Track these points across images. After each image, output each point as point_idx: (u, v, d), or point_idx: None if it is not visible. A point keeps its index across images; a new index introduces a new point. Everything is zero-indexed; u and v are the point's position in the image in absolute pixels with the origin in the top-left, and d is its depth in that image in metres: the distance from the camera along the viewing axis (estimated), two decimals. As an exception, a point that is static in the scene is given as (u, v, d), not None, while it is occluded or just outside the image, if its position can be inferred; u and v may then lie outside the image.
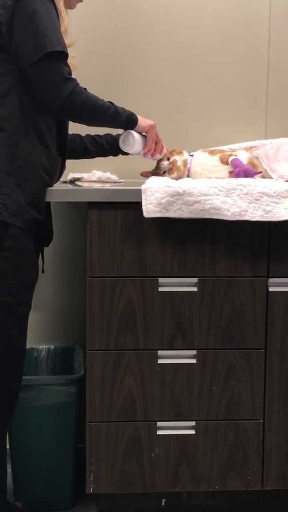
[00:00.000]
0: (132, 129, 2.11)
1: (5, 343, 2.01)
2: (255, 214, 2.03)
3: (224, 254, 2.10)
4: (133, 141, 2.11)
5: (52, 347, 2.59)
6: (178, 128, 2.56)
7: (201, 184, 2.03)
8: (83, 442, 2.21)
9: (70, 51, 2.04)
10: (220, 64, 2.61)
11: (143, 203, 2.02)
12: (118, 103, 2.48)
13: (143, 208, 2.01)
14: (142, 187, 2.02)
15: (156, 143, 2.16)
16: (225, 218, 2.02)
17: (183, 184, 2.03)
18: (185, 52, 2.59)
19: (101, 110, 2.02)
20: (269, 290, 2.13)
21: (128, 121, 2.09)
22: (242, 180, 2.05)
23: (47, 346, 2.59)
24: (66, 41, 2.09)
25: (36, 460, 2.31)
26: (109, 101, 2.06)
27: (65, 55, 1.98)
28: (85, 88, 2.00)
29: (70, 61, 2.11)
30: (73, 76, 1.99)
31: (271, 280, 2.13)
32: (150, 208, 2.01)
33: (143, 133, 2.14)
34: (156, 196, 2.01)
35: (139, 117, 2.11)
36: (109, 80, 2.55)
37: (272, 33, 2.61)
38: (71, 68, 2.01)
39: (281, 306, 2.14)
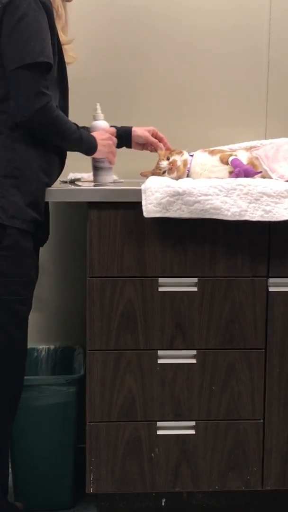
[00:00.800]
0: (90, 155, 2.12)
1: (5, 342, 2.01)
2: (255, 214, 2.03)
3: (224, 254, 2.10)
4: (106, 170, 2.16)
5: (52, 347, 2.59)
6: (178, 128, 2.56)
7: (201, 184, 2.03)
8: (83, 442, 2.21)
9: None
10: (221, 64, 2.60)
11: (143, 203, 2.02)
12: (118, 104, 2.48)
13: (143, 208, 2.01)
14: (142, 187, 2.02)
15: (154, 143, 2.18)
16: (225, 218, 2.02)
17: (183, 184, 2.03)
18: (185, 53, 2.59)
19: (67, 133, 2.02)
20: (269, 290, 2.13)
21: (89, 150, 2.09)
22: (242, 180, 2.05)
23: (47, 346, 2.59)
24: (64, 39, 2.09)
25: (36, 460, 2.31)
26: (76, 125, 2.05)
27: (46, 66, 1.96)
28: (57, 106, 1.99)
29: (69, 52, 2.11)
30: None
31: (271, 280, 2.13)
32: (150, 208, 2.01)
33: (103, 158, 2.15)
34: (156, 196, 2.01)
35: (98, 143, 2.09)
36: (109, 81, 2.55)
37: (272, 33, 2.61)
38: (70, 60, 2.00)
39: (281, 306, 2.14)
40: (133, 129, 2.30)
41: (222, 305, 2.12)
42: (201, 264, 2.10)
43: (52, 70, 2.01)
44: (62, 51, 2.10)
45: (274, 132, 2.58)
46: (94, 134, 2.11)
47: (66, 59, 2.13)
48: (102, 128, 2.16)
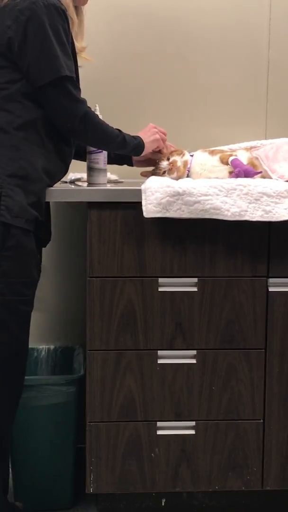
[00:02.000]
0: (138, 155, 2.18)
1: (9, 342, 2.01)
2: (255, 214, 2.03)
3: (224, 254, 2.10)
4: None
5: (52, 347, 2.59)
6: (178, 128, 2.56)
7: (201, 184, 2.03)
8: (83, 442, 2.21)
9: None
10: (220, 64, 2.61)
11: (143, 203, 2.02)
12: (118, 103, 2.49)
13: (143, 208, 2.01)
14: (142, 187, 2.02)
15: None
16: (225, 218, 2.02)
17: (183, 184, 2.03)
18: (185, 52, 2.59)
19: (110, 137, 2.08)
20: (269, 290, 2.13)
21: (136, 149, 2.15)
22: (242, 180, 2.05)
23: (47, 346, 2.59)
24: (78, 45, 2.12)
25: (36, 460, 2.31)
26: (117, 129, 2.11)
27: (74, 79, 2.02)
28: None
29: (82, 54, 2.17)
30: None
31: (271, 280, 2.13)
32: (150, 208, 2.01)
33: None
34: (156, 196, 2.01)
35: (144, 142, 2.16)
36: (109, 81, 2.55)
37: (272, 33, 2.61)
38: (84, 60, 2.03)
39: (281, 306, 2.14)
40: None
41: (222, 305, 2.12)
42: (201, 264, 2.10)
43: None
44: (76, 58, 2.13)
45: (274, 132, 2.58)
46: (139, 134, 2.17)
47: (80, 62, 2.16)
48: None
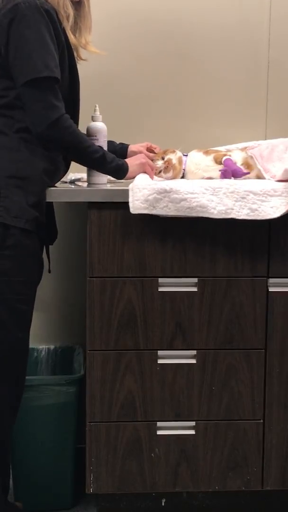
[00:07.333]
0: (121, 179, 2.11)
1: (7, 341, 2.01)
2: (241, 212, 2.02)
3: (224, 254, 2.10)
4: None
5: (52, 347, 2.59)
6: (178, 128, 2.56)
7: (188, 183, 2.04)
8: (83, 442, 2.21)
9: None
10: (220, 64, 2.60)
11: (130, 199, 2.01)
12: (118, 103, 2.48)
13: (130, 204, 2.01)
14: (130, 185, 2.03)
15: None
16: (211, 216, 2.02)
17: (171, 182, 2.05)
18: (185, 52, 2.59)
19: (87, 150, 2.01)
20: (269, 290, 2.13)
21: (117, 172, 2.08)
22: (229, 180, 2.06)
23: (47, 346, 2.59)
24: (82, 40, 2.10)
25: (36, 460, 2.31)
26: (100, 146, 2.06)
27: (54, 79, 1.96)
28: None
29: (88, 48, 2.12)
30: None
31: (271, 280, 2.13)
32: (137, 205, 2.01)
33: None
34: (144, 193, 2.01)
35: (129, 165, 2.09)
36: (109, 80, 2.55)
37: (272, 33, 2.61)
38: (91, 53, 2.01)
39: (281, 306, 2.14)
40: (130, 146, 2.35)
41: (222, 305, 2.12)
42: (201, 264, 2.10)
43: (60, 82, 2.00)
44: (73, 56, 2.10)
45: (274, 132, 2.58)
46: (127, 160, 2.11)
47: (87, 56, 2.13)
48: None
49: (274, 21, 2.60)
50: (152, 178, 2.13)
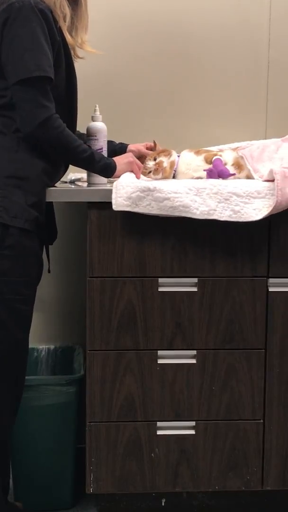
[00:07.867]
0: (109, 177, 2.12)
1: (7, 341, 2.01)
2: (224, 213, 2.02)
3: (224, 254, 2.10)
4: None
5: (52, 347, 2.59)
6: (178, 128, 2.56)
7: (173, 182, 2.04)
8: (83, 442, 2.21)
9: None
10: (220, 64, 2.60)
11: (113, 196, 2.02)
12: (117, 103, 2.48)
13: (113, 201, 2.02)
14: (114, 184, 2.03)
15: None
16: (193, 217, 2.02)
17: (155, 181, 2.05)
18: (185, 52, 2.59)
19: (76, 150, 2.02)
20: (269, 290, 2.13)
21: (105, 170, 2.09)
22: (213, 180, 2.06)
23: (47, 346, 2.59)
24: (78, 39, 2.10)
25: (36, 460, 2.31)
26: (88, 145, 2.06)
27: (46, 79, 1.96)
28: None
29: (85, 47, 2.12)
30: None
31: (271, 280, 2.12)
32: (119, 202, 2.01)
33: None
34: (127, 190, 2.01)
35: (117, 163, 2.10)
36: (109, 80, 2.55)
37: (272, 33, 2.61)
38: (89, 53, 2.01)
39: (281, 306, 2.14)
40: (129, 145, 2.35)
41: (222, 305, 2.12)
42: (201, 264, 2.10)
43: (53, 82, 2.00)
44: (70, 55, 2.09)
45: (274, 132, 2.58)
46: (115, 158, 2.12)
47: (84, 54, 2.13)
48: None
49: (274, 21, 2.60)
50: (138, 177, 2.13)
